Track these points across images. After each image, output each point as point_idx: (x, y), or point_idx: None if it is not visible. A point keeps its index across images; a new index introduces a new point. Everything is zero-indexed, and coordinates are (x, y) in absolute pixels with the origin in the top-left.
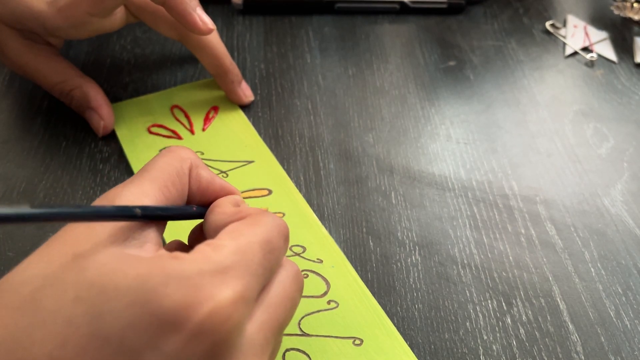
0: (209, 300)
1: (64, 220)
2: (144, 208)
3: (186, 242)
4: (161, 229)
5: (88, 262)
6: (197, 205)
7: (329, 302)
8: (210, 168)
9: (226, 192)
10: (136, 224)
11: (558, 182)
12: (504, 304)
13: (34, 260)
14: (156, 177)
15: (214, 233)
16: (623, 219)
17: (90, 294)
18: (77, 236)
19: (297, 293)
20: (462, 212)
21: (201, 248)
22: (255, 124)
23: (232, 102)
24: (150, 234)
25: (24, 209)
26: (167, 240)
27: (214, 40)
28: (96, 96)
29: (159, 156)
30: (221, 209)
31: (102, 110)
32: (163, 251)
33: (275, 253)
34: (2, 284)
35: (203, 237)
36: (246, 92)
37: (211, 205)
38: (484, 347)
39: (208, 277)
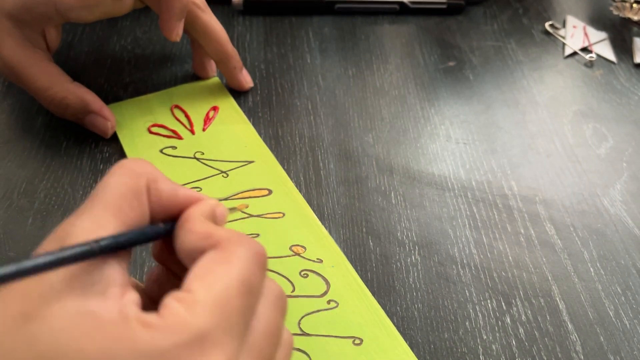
0: None
1: (10, 280)
2: (103, 239)
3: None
4: (124, 262)
5: (40, 327)
6: (164, 222)
7: (328, 302)
8: (210, 168)
9: (193, 202)
10: (94, 263)
11: (557, 182)
12: (503, 303)
13: None
14: (109, 202)
15: (186, 256)
16: (622, 219)
17: None
18: (25, 288)
19: (280, 318)
20: (462, 212)
21: (173, 308)
22: (255, 124)
23: (233, 87)
24: (112, 273)
25: None
26: None
27: (218, 27)
28: (94, 99)
29: (109, 175)
30: (191, 225)
31: (104, 112)
32: (130, 303)
33: (254, 292)
34: None
35: (171, 252)
36: (247, 78)
37: (180, 220)
38: (483, 347)
39: (185, 350)
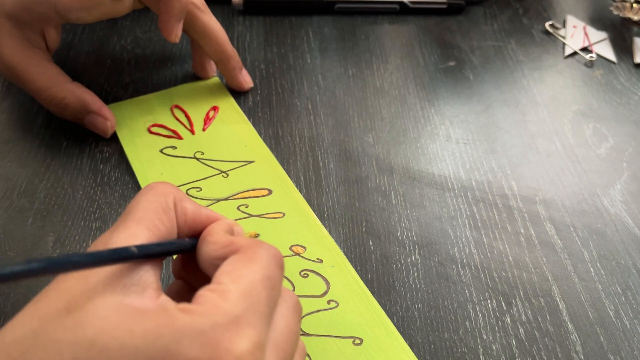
0: (228, 355)
1: (59, 271)
2: (140, 247)
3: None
4: (158, 270)
5: (85, 316)
6: (189, 237)
7: (329, 302)
8: (210, 168)
9: (213, 221)
10: (132, 267)
11: (557, 182)
12: (503, 303)
13: (24, 317)
14: (142, 217)
15: (209, 266)
16: (622, 218)
17: (90, 355)
18: (69, 287)
19: (298, 324)
20: (462, 212)
21: (207, 296)
22: (256, 124)
23: (233, 87)
24: (149, 277)
25: (16, 267)
26: None
27: (218, 27)
28: (93, 99)
29: (139, 195)
30: (213, 237)
31: (104, 111)
32: (167, 300)
33: (276, 287)
34: None
35: (191, 269)
36: (246, 79)
37: (202, 234)
38: (483, 347)
39: (222, 330)
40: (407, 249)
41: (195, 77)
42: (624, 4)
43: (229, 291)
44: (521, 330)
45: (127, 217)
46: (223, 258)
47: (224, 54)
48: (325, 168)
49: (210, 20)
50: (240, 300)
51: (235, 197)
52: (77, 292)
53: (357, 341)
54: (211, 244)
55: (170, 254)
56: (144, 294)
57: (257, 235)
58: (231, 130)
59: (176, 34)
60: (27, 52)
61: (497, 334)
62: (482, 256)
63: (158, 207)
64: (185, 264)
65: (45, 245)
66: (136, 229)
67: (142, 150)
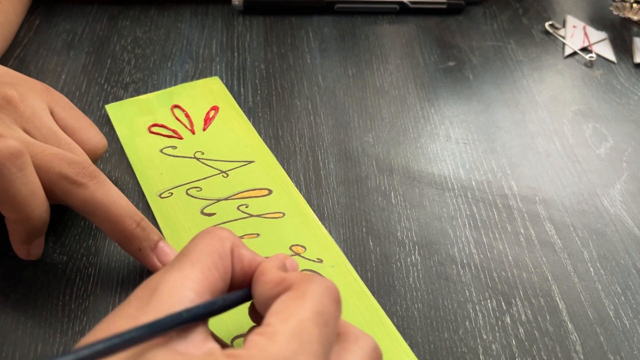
0: None
1: (119, 349)
2: (189, 310)
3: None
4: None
5: None
6: (243, 289)
7: None
8: (210, 168)
9: None
10: None
11: (557, 182)
12: (503, 303)
13: None
14: (197, 261)
15: (264, 307)
16: (622, 218)
17: None
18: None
19: None
20: (462, 212)
21: (255, 340)
22: (256, 124)
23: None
24: (196, 324)
25: (82, 352)
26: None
27: (108, 200)
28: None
29: (197, 238)
30: (265, 277)
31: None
32: (214, 347)
33: (330, 324)
34: None
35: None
36: (163, 257)
37: (255, 274)
38: (483, 347)
39: None
40: (407, 249)
41: (196, 76)
42: (623, 4)
43: (277, 332)
44: (521, 330)
45: (183, 259)
46: (275, 297)
47: (122, 233)
48: (325, 168)
49: (95, 194)
50: (289, 342)
51: (235, 197)
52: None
53: None
54: (263, 284)
55: (223, 311)
56: (190, 339)
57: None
58: (231, 130)
59: (28, 253)
60: None
61: (497, 334)
62: (482, 256)
63: (214, 252)
64: (254, 307)
65: (46, 245)
66: (190, 271)
67: (142, 150)
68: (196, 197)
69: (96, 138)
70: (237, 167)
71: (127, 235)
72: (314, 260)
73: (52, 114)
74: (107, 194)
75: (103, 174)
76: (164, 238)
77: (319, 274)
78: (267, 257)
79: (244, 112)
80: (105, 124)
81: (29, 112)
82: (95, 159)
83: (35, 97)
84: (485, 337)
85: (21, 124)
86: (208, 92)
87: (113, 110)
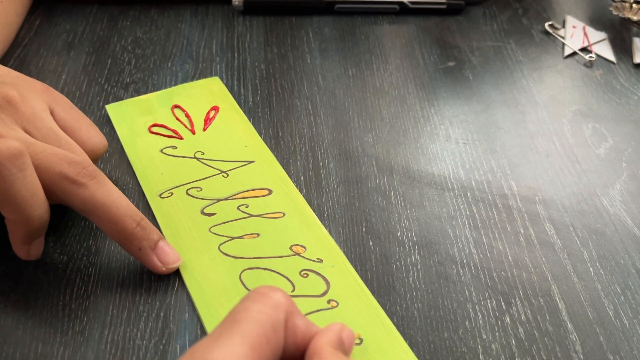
0: None
1: None
2: None
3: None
4: None
5: None
6: None
7: (329, 302)
8: (210, 168)
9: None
10: None
11: (557, 182)
12: (503, 303)
13: None
14: (249, 333)
15: None
16: (622, 218)
17: None
18: None
19: None
20: (462, 212)
21: None
22: (256, 124)
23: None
24: None
25: None
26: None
27: (109, 200)
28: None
29: (250, 301)
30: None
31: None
32: None
33: None
34: None
35: None
36: (165, 258)
37: (309, 352)
38: (483, 347)
39: None
40: (407, 249)
41: (196, 76)
42: (623, 4)
43: None
44: (521, 329)
45: (233, 327)
46: None
47: (122, 233)
48: (325, 168)
49: (95, 194)
50: None
51: (235, 197)
52: None
53: (357, 341)
54: None
55: None
56: None
57: (360, 340)
58: (231, 130)
59: (27, 254)
60: None
61: (497, 334)
62: (481, 256)
63: (268, 322)
64: None
65: (46, 245)
66: (239, 348)
67: (142, 150)
68: (196, 197)
69: (96, 138)
70: (237, 167)
71: (127, 235)
72: (314, 260)
73: (52, 114)
74: (107, 193)
75: (103, 173)
76: (163, 237)
77: (319, 273)
78: (321, 328)
79: (244, 112)
80: (105, 124)
81: (29, 112)
82: (96, 159)
83: (36, 97)
84: (485, 337)
85: (22, 124)
86: (208, 92)
87: (113, 110)
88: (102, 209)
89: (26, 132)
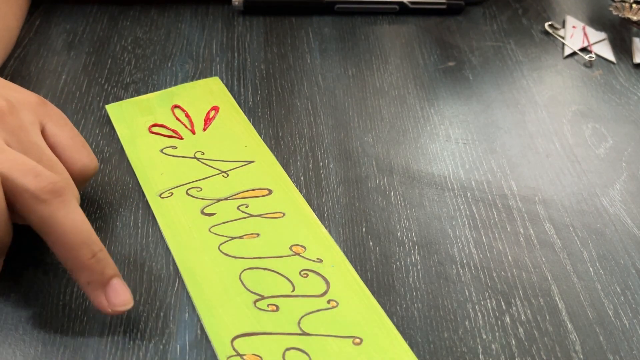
0: None
1: None
2: None
3: None
4: None
5: None
6: None
7: (328, 302)
8: (210, 168)
9: None
10: None
11: (557, 182)
12: (502, 303)
13: None
14: None
15: None
16: (622, 218)
17: None
18: None
19: None
20: (461, 212)
21: None
22: (256, 124)
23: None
24: None
25: None
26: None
27: (68, 224)
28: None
29: None
30: None
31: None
32: None
33: None
34: None
35: None
36: (114, 299)
37: None
38: (483, 346)
39: None
40: (407, 249)
41: (196, 76)
42: (623, 4)
43: None
44: (520, 329)
45: None
46: None
47: (74, 262)
48: (325, 168)
49: (56, 213)
50: None
51: (236, 197)
52: None
53: (357, 341)
54: None
55: None
56: None
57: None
58: (231, 130)
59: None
60: None
61: (497, 334)
62: (481, 256)
63: None
64: None
65: (46, 245)
66: None
67: (142, 150)
68: (196, 197)
69: (86, 159)
70: (237, 167)
71: (78, 265)
72: (314, 260)
73: (44, 129)
74: (69, 216)
75: (73, 195)
76: (119, 275)
77: (319, 273)
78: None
79: (244, 112)
80: (105, 124)
81: (15, 124)
82: (84, 180)
83: (27, 110)
84: (484, 336)
85: (3, 136)
86: (208, 92)
87: (113, 110)
88: (59, 231)
89: (7, 144)
